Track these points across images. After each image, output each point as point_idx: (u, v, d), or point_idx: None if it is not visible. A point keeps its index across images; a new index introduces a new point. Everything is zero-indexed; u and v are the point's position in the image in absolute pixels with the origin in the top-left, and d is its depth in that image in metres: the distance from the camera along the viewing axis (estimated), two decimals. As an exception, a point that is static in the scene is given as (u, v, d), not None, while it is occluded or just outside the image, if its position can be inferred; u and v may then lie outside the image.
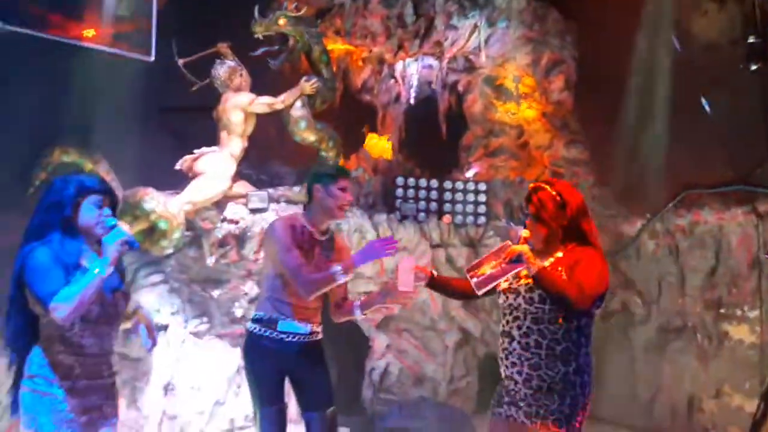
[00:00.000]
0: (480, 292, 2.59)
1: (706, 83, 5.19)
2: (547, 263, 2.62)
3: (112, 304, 2.45)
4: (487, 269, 2.56)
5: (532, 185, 2.77)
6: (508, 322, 2.67)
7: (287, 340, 2.91)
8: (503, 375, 2.69)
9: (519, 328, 2.64)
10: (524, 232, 2.64)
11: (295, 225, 2.95)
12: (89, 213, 2.41)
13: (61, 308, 2.24)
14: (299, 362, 2.94)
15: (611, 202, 6.11)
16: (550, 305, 2.61)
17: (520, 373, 2.63)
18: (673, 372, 5.40)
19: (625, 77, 5.69)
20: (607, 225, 6.08)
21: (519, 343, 2.63)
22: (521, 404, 2.63)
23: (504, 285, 2.70)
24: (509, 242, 2.60)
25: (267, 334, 2.91)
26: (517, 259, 2.51)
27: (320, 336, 3.04)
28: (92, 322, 2.39)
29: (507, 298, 2.69)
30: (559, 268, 2.61)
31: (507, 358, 2.66)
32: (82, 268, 2.35)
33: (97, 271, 2.30)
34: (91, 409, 2.40)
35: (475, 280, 2.56)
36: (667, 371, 5.46)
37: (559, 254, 2.68)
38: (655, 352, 5.59)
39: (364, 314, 3.00)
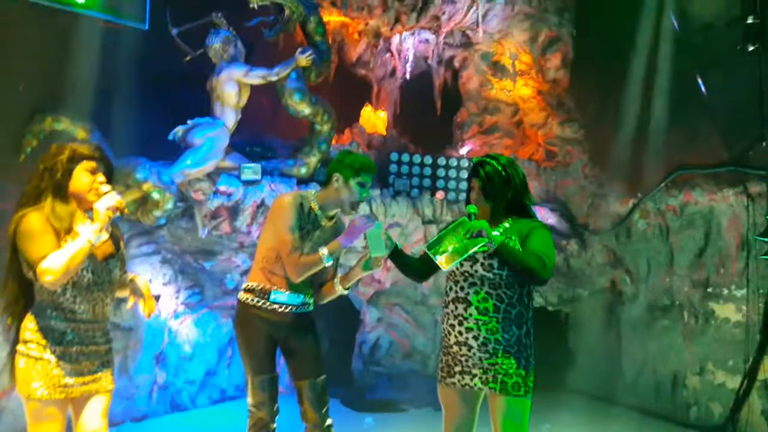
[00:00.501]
0: (446, 269, 2.61)
1: (702, 63, 5.18)
2: (496, 232, 2.68)
3: (105, 271, 2.46)
4: (449, 246, 2.58)
5: (477, 159, 2.82)
6: (462, 288, 2.71)
7: (279, 310, 2.93)
8: (452, 342, 2.71)
9: (476, 293, 2.69)
10: (471, 208, 2.67)
11: (303, 204, 2.94)
12: (82, 179, 2.41)
13: (49, 273, 2.25)
14: (290, 332, 2.96)
15: (604, 181, 6.14)
16: (508, 271, 2.69)
17: (476, 338, 2.67)
18: (659, 349, 5.49)
19: (622, 57, 5.67)
20: (599, 204, 6.12)
21: (477, 308, 2.68)
22: (476, 371, 2.69)
23: None
24: (465, 218, 2.62)
25: (259, 304, 2.93)
26: (478, 235, 2.54)
27: (311, 307, 3.06)
28: (84, 288, 2.40)
29: (461, 265, 2.71)
30: (513, 237, 2.69)
31: (461, 324, 2.70)
32: (73, 233, 2.35)
33: (86, 237, 2.31)
34: (84, 373, 2.42)
35: (439, 257, 2.58)
36: (653, 348, 5.55)
37: (506, 224, 2.75)
38: (642, 330, 5.67)
39: (347, 289, 3.01)
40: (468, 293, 2.69)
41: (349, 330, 6.08)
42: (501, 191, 2.75)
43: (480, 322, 2.67)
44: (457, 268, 2.72)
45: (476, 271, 2.70)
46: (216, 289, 5.35)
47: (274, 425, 2.95)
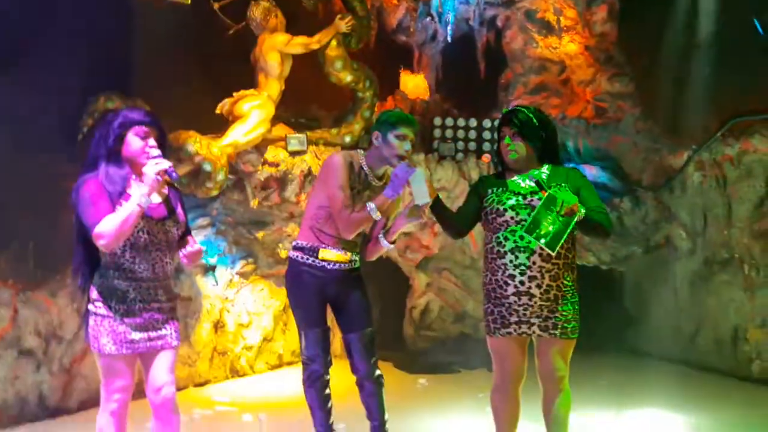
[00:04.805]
0: (554, 252, 2.63)
1: (755, 4, 4.94)
2: (543, 175, 2.76)
3: (161, 231, 2.55)
4: (548, 227, 2.59)
5: (505, 111, 2.92)
6: (523, 237, 2.69)
7: (328, 267, 3.00)
8: (509, 293, 2.71)
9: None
10: (513, 155, 2.77)
11: (353, 163, 2.98)
12: (134, 143, 2.50)
13: (102, 237, 2.37)
14: (339, 288, 3.03)
15: (657, 135, 5.95)
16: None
17: (539, 286, 2.69)
18: (718, 304, 5.35)
19: (671, 3, 5.45)
20: (652, 158, 5.94)
21: (540, 255, 2.69)
22: (535, 320, 2.71)
23: (512, 201, 2.75)
24: (552, 194, 2.62)
25: (309, 261, 3.00)
26: (571, 210, 2.58)
27: (358, 264, 3.12)
28: (142, 249, 2.50)
29: (518, 213, 2.72)
30: (561, 184, 2.72)
31: (523, 274, 2.69)
32: (128, 197, 2.45)
33: (135, 200, 2.39)
34: (149, 330, 2.53)
35: (543, 241, 2.60)
36: (711, 303, 5.41)
37: (545, 170, 2.79)
38: (700, 285, 5.52)
39: (392, 242, 3.03)
40: (529, 242, 2.68)
41: (399, 296, 6.14)
42: (537, 133, 2.78)
43: (543, 270, 2.69)
44: (512, 217, 2.73)
45: None
46: (269, 258, 5.49)
47: (328, 376, 3.04)
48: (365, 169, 3.00)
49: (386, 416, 3.10)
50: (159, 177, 2.42)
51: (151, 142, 2.51)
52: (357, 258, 3.09)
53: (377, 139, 2.97)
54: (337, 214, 2.90)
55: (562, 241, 2.61)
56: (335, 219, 2.92)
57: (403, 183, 2.81)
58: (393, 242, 3.04)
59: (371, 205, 2.86)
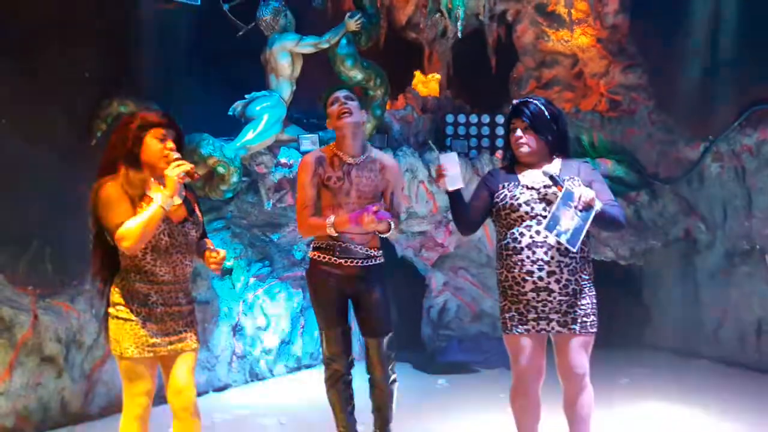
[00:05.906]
0: (576, 249, 2.61)
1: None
2: (555, 168, 2.72)
3: (181, 234, 2.55)
4: (568, 224, 2.56)
5: (516, 102, 2.82)
6: (539, 232, 2.65)
7: (346, 264, 2.98)
8: (527, 289, 2.66)
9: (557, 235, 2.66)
10: (524, 148, 2.72)
11: (322, 157, 3.01)
12: (152, 146, 2.48)
13: (126, 240, 2.36)
14: (359, 285, 3.01)
15: (672, 127, 5.88)
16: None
17: (558, 281, 2.65)
18: (740, 297, 5.27)
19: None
20: (668, 151, 5.88)
21: (558, 250, 2.65)
22: (554, 315, 2.67)
23: (525, 195, 2.71)
24: (566, 187, 2.59)
25: (327, 260, 2.99)
26: (588, 205, 2.56)
27: (380, 260, 3.08)
28: (163, 252, 2.50)
29: (532, 208, 2.68)
30: (576, 178, 2.70)
31: (541, 269, 2.65)
32: (147, 199, 2.44)
33: (157, 203, 2.39)
34: (170, 333, 2.52)
35: (564, 237, 2.56)
36: (734, 296, 5.33)
37: (557, 165, 2.76)
38: (722, 278, 5.45)
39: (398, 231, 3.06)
40: (546, 236, 2.65)
41: (416, 296, 6.11)
42: (548, 126, 2.74)
43: (562, 264, 2.65)
44: (527, 211, 2.69)
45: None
46: (284, 260, 5.47)
47: (350, 376, 3.03)
48: (339, 154, 3.01)
49: (392, 418, 3.09)
50: (181, 179, 2.43)
51: (170, 144, 2.50)
52: (378, 254, 3.07)
53: (328, 124, 3.07)
54: (297, 213, 3.00)
55: (582, 236, 2.58)
56: (297, 216, 3.01)
57: (367, 221, 2.78)
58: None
59: (330, 220, 2.88)
